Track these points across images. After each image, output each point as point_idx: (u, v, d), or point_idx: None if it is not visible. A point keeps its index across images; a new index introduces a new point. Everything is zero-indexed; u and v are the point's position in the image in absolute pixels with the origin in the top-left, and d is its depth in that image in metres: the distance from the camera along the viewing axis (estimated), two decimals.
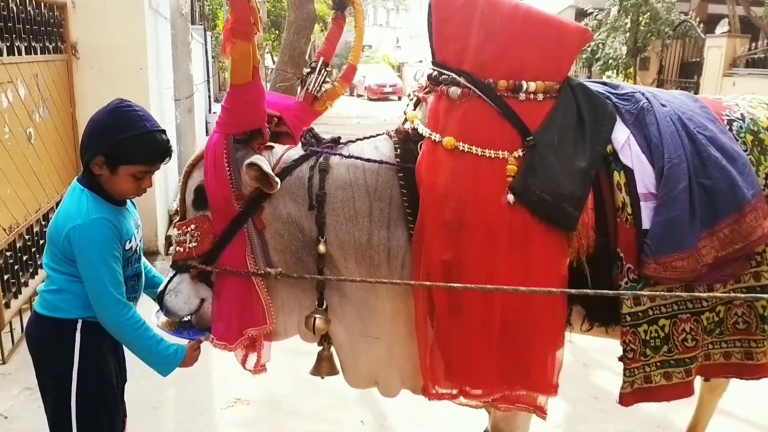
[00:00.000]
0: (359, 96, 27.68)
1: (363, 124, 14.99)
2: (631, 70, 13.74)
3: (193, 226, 1.88)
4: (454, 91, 1.86)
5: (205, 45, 13.06)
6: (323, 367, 2.04)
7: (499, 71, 1.85)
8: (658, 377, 1.93)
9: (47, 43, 4.29)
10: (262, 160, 1.78)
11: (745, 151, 1.98)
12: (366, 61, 36.01)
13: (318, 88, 2.02)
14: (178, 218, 2.00)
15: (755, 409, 3.31)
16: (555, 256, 1.79)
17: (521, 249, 1.77)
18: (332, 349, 2.03)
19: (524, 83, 1.84)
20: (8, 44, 3.62)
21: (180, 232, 1.91)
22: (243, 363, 1.99)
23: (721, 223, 1.83)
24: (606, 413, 3.30)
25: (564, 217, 1.77)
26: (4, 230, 3.48)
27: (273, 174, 1.76)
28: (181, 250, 1.90)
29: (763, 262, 1.95)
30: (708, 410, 2.79)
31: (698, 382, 2.75)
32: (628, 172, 1.85)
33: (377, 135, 2.06)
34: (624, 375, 1.95)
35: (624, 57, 13.44)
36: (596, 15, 14.76)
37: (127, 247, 1.89)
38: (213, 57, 16.61)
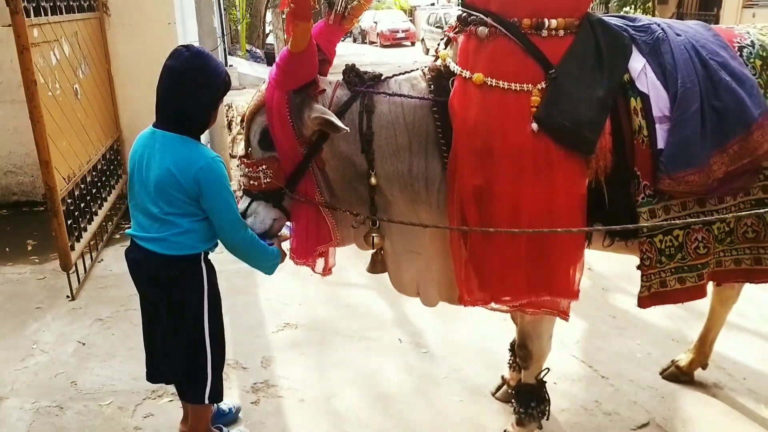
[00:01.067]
0: (372, 43, 27.32)
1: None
2: (650, 4, 13.42)
3: (264, 166, 2.13)
4: (482, 30, 2.05)
5: None
6: (377, 266, 2.36)
7: (523, 10, 2.03)
8: (672, 282, 2.17)
9: (82, 2, 4.48)
10: (329, 113, 2.02)
11: (754, 74, 2.14)
12: (377, 7, 35.25)
13: (344, 6, 2.17)
14: (242, 153, 2.25)
15: (764, 321, 3.56)
16: (575, 178, 2.01)
17: (545, 172, 1.99)
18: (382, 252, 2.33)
19: (546, 21, 2.02)
20: (51, 4, 3.82)
21: (251, 169, 2.16)
22: (313, 268, 2.32)
23: (731, 140, 2.03)
24: (623, 329, 3.57)
25: (583, 142, 1.98)
26: (64, 179, 3.78)
27: (341, 124, 2.00)
28: (256, 184, 2.16)
29: None
30: (719, 321, 3.02)
31: (709, 294, 3.01)
32: (644, 98, 2.04)
33: (412, 71, 2.26)
34: (642, 281, 2.18)
35: None
36: None
37: None
38: (224, 9, 16.50)
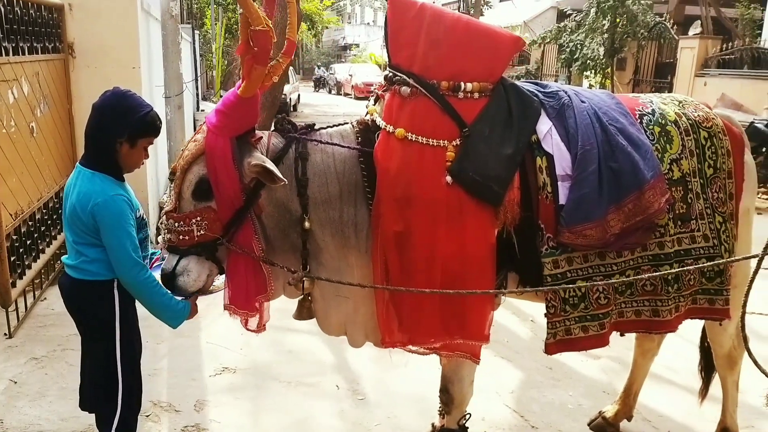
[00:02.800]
0: (346, 95, 27.98)
1: None
2: (609, 70, 14.15)
3: (198, 218, 2.13)
4: (405, 90, 2.22)
5: (193, 44, 13.26)
6: (304, 313, 2.40)
7: (442, 74, 2.21)
8: (576, 330, 2.30)
9: (47, 44, 4.60)
10: (268, 162, 2.09)
11: (652, 140, 2.34)
12: (353, 60, 36.32)
13: None
14: (169, 208, 2.19)
15: (691, 376, 3.67)
16: (485, 227, 2.15)
17: (457, 221, 2.13)
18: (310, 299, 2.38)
19: (462, 84, 2.20)
20: (13, 45, 3.93)
21: (182, 222, 2.13)
22: (245, 325, 2.31)
23: (626, 199, 2.20)
24: (558, 381, 3.67)
25: (491, 194, 2.13)
26: (11, 215, 3.79)
27: (280, 174, 2.06)
28: (188, 238, 2.15)
29: (666, 233, 2.32)
30: (641, 373, 3.14)
31: (631, 345, 3.14)
32: (549, 158, 2.22)
33: (344, 123, 2.40)
34: (548, 328, 2.31)
35: (601, 58, 13.85)
36: (575, 16, 15.18)
37: (137, 215, 2.25)
38: (201, 55, 16.82)
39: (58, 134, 4.83)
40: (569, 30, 15.09)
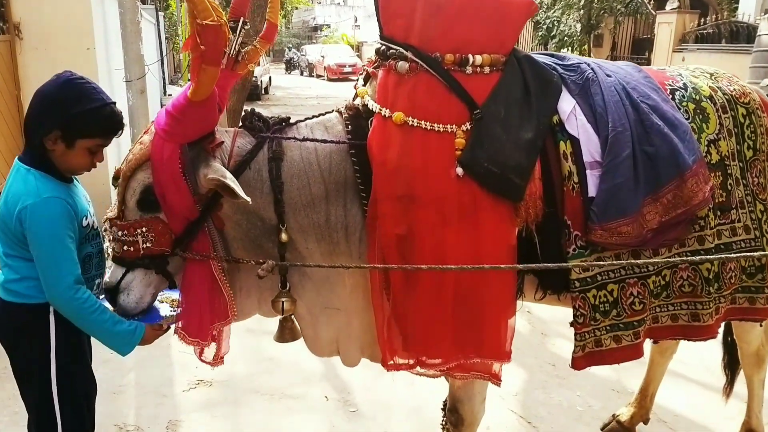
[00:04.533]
0: (319, 76, 27.47)
1: (323, 105, 14.90)
2: (586, 47, 13.97)
3: (144, 228, 1.81)
4: (402, 65, 1.87)
5: (158, 25, 12.70)
6: (286, 334, 2.05)
7: (446, 45, 1.86)
8: (608, 340, 2.00)
9: None
10: (228, 177, 1.73)
11: (687, 119, 2.04)
12: (325, 41, 35.75)
13: (238, 50, 1.92)
14: (111, 214, 1.88)
15: (705, 371, 3.46)
16: (504, 226, 1.83)
17: (471, 220, 1.80)
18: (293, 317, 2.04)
19: (470, 57, 1.85)
20: None
21: (126, 232, 1.83)
22: (200, 355, 1.98)
23: (664, 188, 1.90)
24: (563, 379, 3.42)
25: (511, 188, 1.81)
26: None
27: (243, 195, 1.71)
28: (132, 249, 1.83)
29: (706, 226, 2.03)
30: (659, 372, 2.92)
31: (648, 344, 2.89)
32: (575, 142, 1.89)
33: (327, 113, 2.04)
34: (575, 339, 2.00)
35: (578, 34, 13.65)
36: None
37: (84, 224, 1.86)
38: (166, 38, 16.17)
39: (5, 124, 4.38)
40: (545, 6, 14.84)
